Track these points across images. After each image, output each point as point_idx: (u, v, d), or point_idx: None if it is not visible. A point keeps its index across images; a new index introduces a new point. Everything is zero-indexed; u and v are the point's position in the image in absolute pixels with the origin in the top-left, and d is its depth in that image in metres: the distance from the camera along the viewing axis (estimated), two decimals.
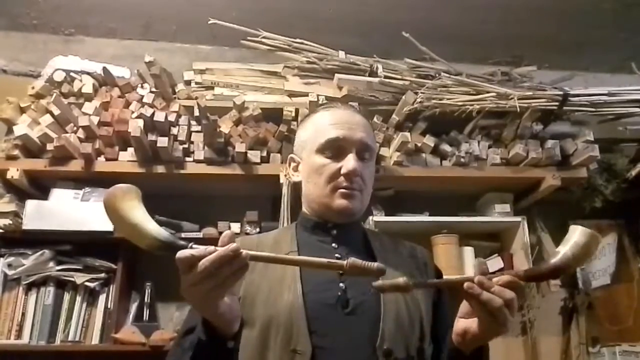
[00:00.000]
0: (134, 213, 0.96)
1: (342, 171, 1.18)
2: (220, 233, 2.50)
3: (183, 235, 2.38)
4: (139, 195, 0.98)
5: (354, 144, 1.20)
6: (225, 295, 0.94)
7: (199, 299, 0.92)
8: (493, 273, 0.98)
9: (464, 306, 1.02)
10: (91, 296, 2.37)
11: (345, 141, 1.20)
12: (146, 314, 2.47)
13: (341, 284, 1.10)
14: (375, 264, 0.95)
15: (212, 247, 0.88)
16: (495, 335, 0.99)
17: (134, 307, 2.49)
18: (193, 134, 2.50)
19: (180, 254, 0.87)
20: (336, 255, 1.16)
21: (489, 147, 2.62)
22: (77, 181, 2.45)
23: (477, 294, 0.93)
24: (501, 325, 0.95)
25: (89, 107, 2.46)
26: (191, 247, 0.91)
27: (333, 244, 1.20)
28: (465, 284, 0.94)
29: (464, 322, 1.02)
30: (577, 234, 0.99)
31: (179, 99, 2.57)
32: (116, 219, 0.96)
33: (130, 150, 2.45)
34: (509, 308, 0.93)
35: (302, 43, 2.61)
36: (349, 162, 1.18)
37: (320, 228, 1.23)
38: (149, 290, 2.49)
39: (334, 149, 1.20)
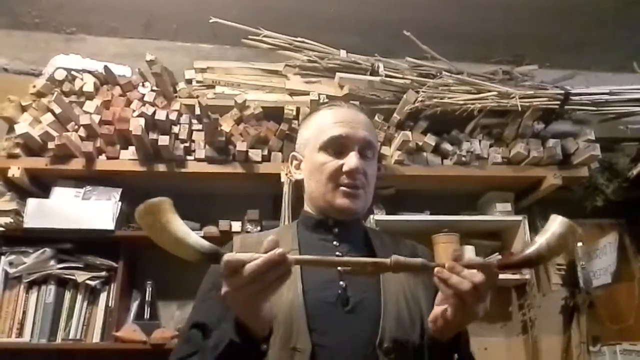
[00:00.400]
0: (173, 227, 0.96)
1: (345, 169, 1.18)
2: (222, 232, 2.49)
3: None
4: (172, 206, 0.99)
5: (357, 141, 1.21)
6: (268, 299, 0.94)
7: (242, 302, 0.91)
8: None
9: (439, 293, 1.02)
10: (92, 294, 2.37)
11: (347, 139, 1.20)
12: (147, 312, 2.47)
13: (341, 282, 1.10)
14: (419, 260, 0.96)
15: (256, 254, 0.88)
16: (466, 321, 0.99)
17: (135, 306, 2.49)
18: (194, 132, 2.50)
19: (229, 257, 0.88)
20: (337, 253, 1.16)
21: (490, 146, 2.61)
22: (78, 180, 2.46)
23: (445, 278, 0.93)
24: (471, 311, 0.94)
25: (90, 105, 2.47)
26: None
27: (334, 242, 1.20)
28: (436, 269, 0.94)
29: (437, 309, 1.01)
30: (555, 224, 0.98)
31: (180, 97, 2.57)
32: (156, 235, 0.96)
33: (132, 148, 2.45)
34: (477, 292, 0.92)
35: (303, 42, 2.61)
36: (351, 159, 1.18)
37: (322, 226, 1.23)
38: (150, 289, 2.49)
39: (337, 146, 1.21)
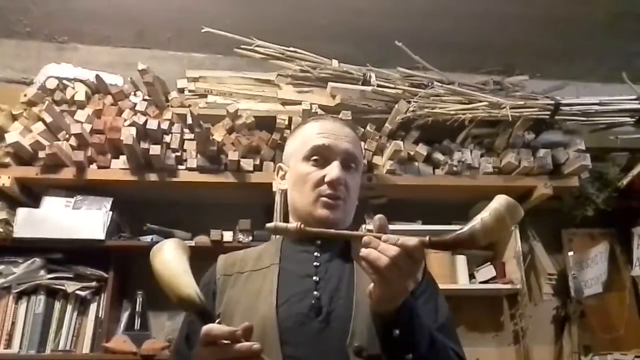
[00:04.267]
0: (165, 275, 1.02)
1: (326, 179, 1.19)
2: (213, 241, 2.47)
3: None
4: (177, 249, 1.07)
5: (340, 153, 1.21)
6: None
7: None
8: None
9: None
10: (82, 305, 2.36)
11: (330, 149, 1.21)
12: (137, 323, 2.45)
13: (315, 292, 1.11)
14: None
15: (237, 331, 0.92)
16: (391, 296, 0.95)
17: (125, 316, 2.47)
18: (186, 141, 2.49)
19: (207, 329, 0.92)
20: (315, 263, 1.17)
21: (481, 155, 2.62)
22: (69, 189, 2.45)
23: (364, 255, 0.92)
24: (391, 286, 0.92)
25: (81, 114, 2.46)
26: (218, 322, 0.97)
27: (315, 253, 1.19)
28: (362, 251, 0.92)
29: (370, 285, 1.00)
30: (493, 203, 0.94)
31: (172, 106, 2.57)
32: (160, 274, 1.03)
33: (123, 158, 2.44)
34: (397, 267, 0.90)
35: (295, 51, 2.61)
36: (333, 169, 1.19)
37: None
38: (141, 299, 2.47)
39: (319, 156, 1.22)
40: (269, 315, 1.08)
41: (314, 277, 1.14)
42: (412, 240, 0.91)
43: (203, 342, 0.92)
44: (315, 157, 1.22)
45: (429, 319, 1.09)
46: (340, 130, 1.25)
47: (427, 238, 0.93)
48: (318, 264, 1.17)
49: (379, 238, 0.92)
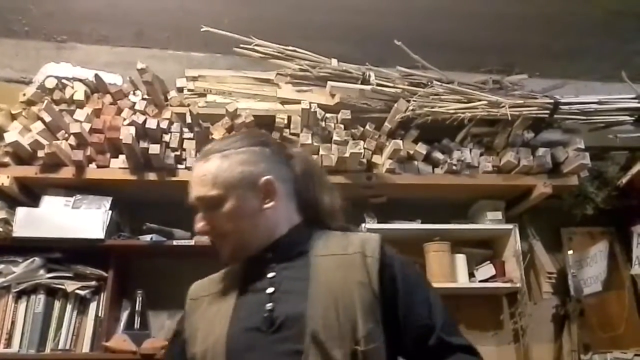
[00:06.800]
0: None
1: None
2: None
3: (175, 243, 2.38)
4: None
5: (195, 203, 1.21)
6: None
7: None
8: None
9: None
10: (82, 304, 2.36)
11: (192, 204, 1.22)
12: (137, 322, 2.45)
13: (269, 305, 1.10)
14: None
15: None
16: None
17: (125, 315, 2.46)
18: (185, 141, 2.49)
19: None
20: (269, 275, 1.15)
21: (481, 154, 2.62)
22: (68, 188, 2.44)
23: None
24: None
25: (80, 114, 2.46)
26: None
27: (272, 264, 1.18)
28: None
29: None
30: None
31: (171, 106, 2.57)
32: None
33: (122, 157, 2.44)
34: None
35: (294, 51, 2.61)
36: (195, 223, 1.21)
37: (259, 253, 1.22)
38: (140, 298, 2.47)
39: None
40: (219, 340, 1.10)
41: (268, 290, 1.13)
42: None
43: None
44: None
45: (425, 319, 1.11)
46: (195, 175, 1.22)
47: None
48: (274, 274, 1.16)
49: None
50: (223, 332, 1.10)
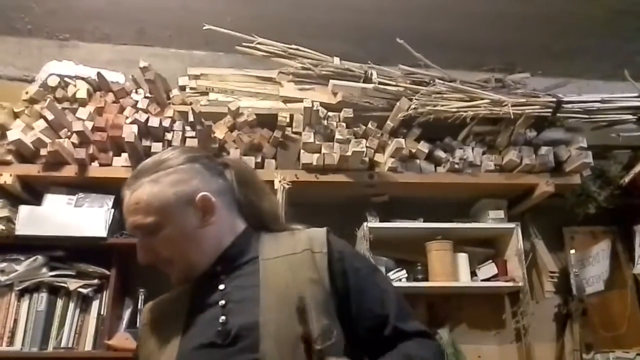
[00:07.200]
0: None
1: None
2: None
3: None
4: None
5: (133, 232, 1.19)
6: None
7: None
8: None
9: None
10: (84, 302, 2.36)
11: (129, 232, 1.21)
12: (139, 320, 2.45)
13: (222, 317, 1.08)
14: None
15: None
16: None
17: (127, 314, 2.47)
18: (187, 139, 2.49)
19: None
20: (220, 287, 1.14)
21: (483, 153, 2.62)
22: (71, 186, 2.45)
23: None
24: None
25: (83, 112, 2.46)
26: None
27: (222, 276, 1.16)
28: None
29: None
30: None
31: (173, 104, 2.57)
32: None
33: (124, 155, 2.44)
34: None
35: (297, 49, 2.61)
36: (137, 253, 1.18)
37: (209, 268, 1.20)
38: (143, 297, 2.47)
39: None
40: (170, 357, 1.08)
41: (220, 302, 1.11)
42: None
43: None
44: None
45: (378, 310, 1.11)
46: (128, 204, 1.18)
47: None
48: (224, 286, 1.14)
49: None
50: (173, 354, 1.08)
